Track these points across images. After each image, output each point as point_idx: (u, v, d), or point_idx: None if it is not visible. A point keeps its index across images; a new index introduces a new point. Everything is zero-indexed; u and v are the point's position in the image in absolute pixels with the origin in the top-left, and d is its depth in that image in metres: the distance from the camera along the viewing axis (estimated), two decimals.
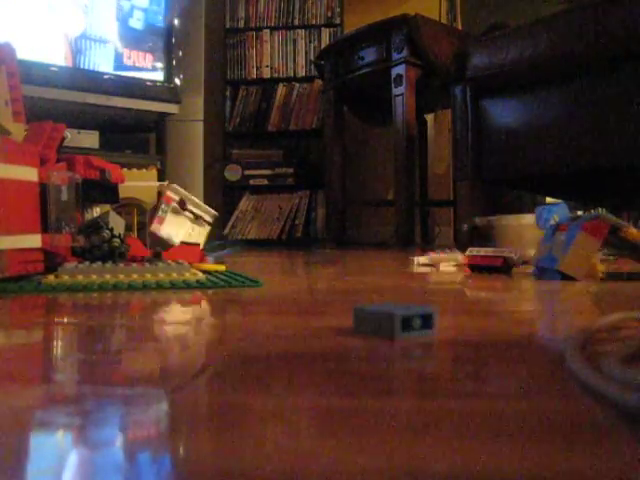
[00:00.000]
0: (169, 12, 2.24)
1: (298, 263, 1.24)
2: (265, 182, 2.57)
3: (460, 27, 2.56)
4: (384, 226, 2.50)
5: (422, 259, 1.01)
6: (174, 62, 2.25)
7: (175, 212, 0.87)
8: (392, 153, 2.00)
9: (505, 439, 0.17)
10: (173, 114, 2.23)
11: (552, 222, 0.77)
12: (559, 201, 1.73)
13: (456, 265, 0.97)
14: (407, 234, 1.91)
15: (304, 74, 2.62)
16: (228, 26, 2.66)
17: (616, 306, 0.48)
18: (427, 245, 2.18)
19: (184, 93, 2.28)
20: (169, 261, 0.72)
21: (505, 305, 0.49)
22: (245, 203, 2.64)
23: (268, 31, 2.64)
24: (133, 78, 2.12)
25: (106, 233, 0.76)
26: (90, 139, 2.00)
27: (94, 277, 0.65)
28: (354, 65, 2.06)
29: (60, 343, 0.34)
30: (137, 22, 2.17)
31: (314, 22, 2.62)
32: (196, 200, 0.90)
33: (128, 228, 1.08)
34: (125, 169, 1.03)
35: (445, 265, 0.96)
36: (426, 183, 2.54)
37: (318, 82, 2.54)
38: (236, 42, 2.66)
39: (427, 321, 0.33)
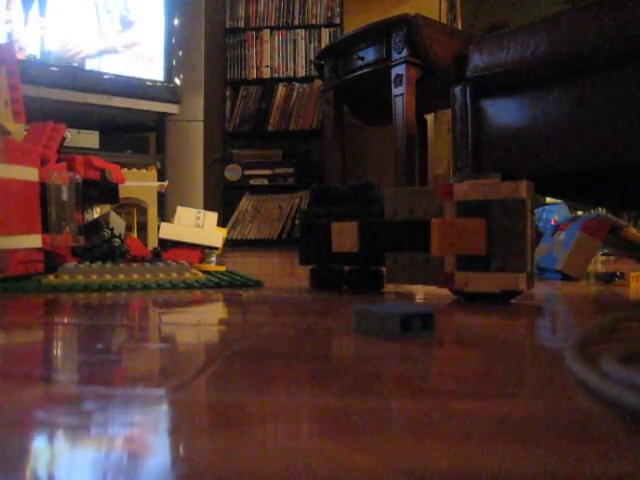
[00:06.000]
0: (169, 12, 2.24)
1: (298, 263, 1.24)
2: (265, 182, 2.57)
3: (460, 27, 2.56)
4: None
5: None
6: (174, 62, 2.25)
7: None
8: (392, 153, 2.00)
9: (505, 439, 0.17)
10: (173, 114, 2.23)
11: (552, 222, 0.77)
12: (559, 201, 1.73)
13: None
14: None
15: (304, 74, 2.62)
16: (228, 26, 2.66)
17: (616, 306, 0.48)
18: None
19: (184, 93, 2.28)
20: (169, 261, 0.72)
21: (504, 305, 0.49)
22: (245, 203, 2.64)
23: (268, 31, 2.64)
24: (133, 78, 2.12)
25: (106, 233, 0.76)
26: (90, 139, 2.00)
27: (94, 277, 0.65)
28: (354, 65, 2.06)
29: (60, 343, 0.34)
30: (137, 22, 2.17)
31: (314, 22, 2.62)
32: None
33: (128, 228, 1.08)
34: (125, 169, 1.03)
35: None
36: (426, 183, 2.54)
37: (318, 82, 2.54)
38: (236, 42, 2.66)
39: (427, 321, 0.33)
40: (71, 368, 0.27)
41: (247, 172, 2.57)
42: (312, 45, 2.61)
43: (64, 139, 0.79)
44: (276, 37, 2.64)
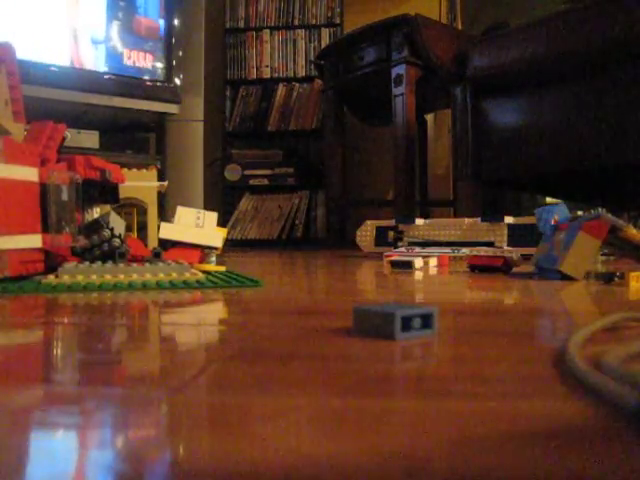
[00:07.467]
0: (168, 12, 2.24)
1: (298, 263, 1.24)
2: (265, 182, 2.57)
3: (460, 27, 2.56)
4: None
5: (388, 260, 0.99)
6: (174, 62, 2.25)
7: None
8: (392, 153, 2.01)
9: (505, 439, 0.17)
10: (173, 114, 2.23)
11: (552, 222, 0.77)
12: (559, 201, 1.73)
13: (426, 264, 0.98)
14: None
15: (304, 74, 2.62)
16: (228, 26, 2.66)
17: (616, 306, 0.48)
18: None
19: (184, 93, 2.28)
20: (169, 261, 0.72)
21: (505, 305, 0.49)
22: (245, 203, 2.64)
23: (268, 31, 2.64)
24: (133, 78, 2.13)
25: (106, 233, 0.76)
26: (90, 139, 2.00)
27: (94, 277, 0.65)
28: (354, 65, 2.06)
29: (60, 343, 0.34)
30: (137, 22, 2.17)
31: (314, 22, 2.62)
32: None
33: (128, 228, 1.08)
34: (125, 169, 1.03)
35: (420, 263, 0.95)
36: (426, 183, 2.54)
37: (318, 82, 2.54)
38: (236, 42, 2.66)
39: (427, 321, 0.33)
40: (71, 368, 0.27)
41: (247, 172, 2.57)
42: (312, 45, 2.61)
43: (64, 139, 0.79)
44: (276, 37, 2.64)
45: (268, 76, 2.64)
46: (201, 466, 0.15)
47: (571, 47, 1.45)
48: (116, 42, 2.11)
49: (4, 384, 0.24)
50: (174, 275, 0.68)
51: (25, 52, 1.83)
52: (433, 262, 1.01)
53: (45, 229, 0.68)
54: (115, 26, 2.11)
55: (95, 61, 2.06)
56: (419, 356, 0.29)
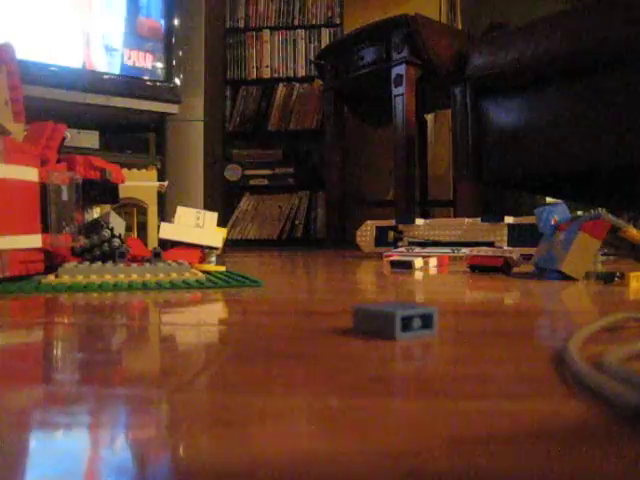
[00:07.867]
0: (169, 12, 2.24)
1: (298, 263, 1.24)
2: (265, 182, 2.57)
3: (460, 27, 2.56)
4: None
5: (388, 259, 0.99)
6: (174, 62, 2.25)
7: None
8: (392, 153, 2.01)
9: (505, 439, 0.17)
10: (173, 114, 2.23)
11: (552, 222, 0.77)
12: (559, 201, 1.73)
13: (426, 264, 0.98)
14: None
15: (304, 74, 2.62)
16: (228, 26, 2.66)
17: (616, 306, 0.48)
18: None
19: (184, 93, 2.28)
20: (169, 261, 0.72)
21: (505, 305, 0.49)
22: (245, 203, 2.64)
23: (268, 31, 2.64)
24: (133, 78, 2.12)
25: (106, 233, 0.76)
26: (90, 139, 2.00)
27: (94, 277, 0.65)
28: (354, 65, 2.06)
29: (60, 343, 0.34)
30: (140, 22, 2.17)
31: (314, 22, 2.62)
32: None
33: (128, 228, 1.08)
34: (125, 169, 1.03)
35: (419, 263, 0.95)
36: (426, 183, 2.54)
37: (318, 82, 2.54)
38: (236, 42, 2.66)
39: (427, 321, 0.33)
40: (71, 368, 0.27)
41: (247, 172, 2.57)
42: (312, 45, 2.61)
43: (64, 139, 0.79)
44: (276, 37, 2.64)
45: (268, 76, 2.64)
46: (201, 466, 0.15)
47: (571, 47, 1.45)
48: (118, 42, 2.11)
49: (4, 384, 0.24)
50: (174, 275, 0.68)
51: (25, 52, 1.83)
52: (433, 262, 1.01)
53: (45, 229, 0.68)
54: (118, 27, 2.11)
55: (96, 61, 2.06)
56: (419, 356, 0.29)
